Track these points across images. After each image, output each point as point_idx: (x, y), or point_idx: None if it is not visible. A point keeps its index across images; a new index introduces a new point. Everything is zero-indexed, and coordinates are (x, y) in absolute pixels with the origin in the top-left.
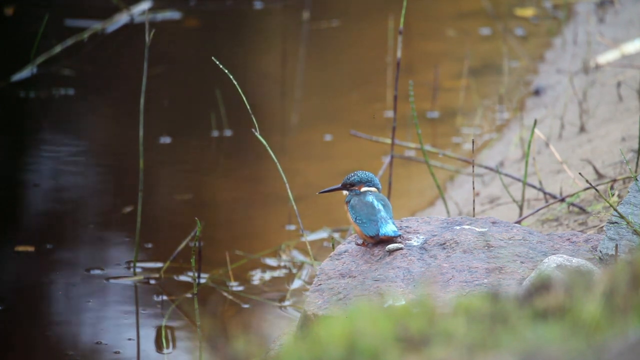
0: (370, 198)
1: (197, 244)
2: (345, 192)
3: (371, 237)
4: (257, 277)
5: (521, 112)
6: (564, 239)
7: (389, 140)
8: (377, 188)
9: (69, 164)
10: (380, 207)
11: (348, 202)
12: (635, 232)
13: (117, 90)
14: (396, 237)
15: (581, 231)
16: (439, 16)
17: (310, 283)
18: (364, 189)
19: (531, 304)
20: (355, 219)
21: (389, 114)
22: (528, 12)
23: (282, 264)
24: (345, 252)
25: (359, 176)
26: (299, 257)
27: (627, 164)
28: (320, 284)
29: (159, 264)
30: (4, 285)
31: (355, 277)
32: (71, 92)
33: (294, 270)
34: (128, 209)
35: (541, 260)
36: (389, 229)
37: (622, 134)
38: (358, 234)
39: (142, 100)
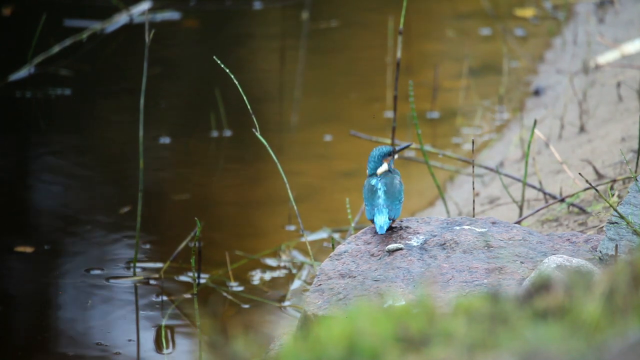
0: (374, 181)
1: (197, 244)
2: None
3: (370, 221)
4: (257, 277)
5: (521, 112)
6: (563, 239)
7: (389, 141)
8: (369, 168)
9: (67, 164)
10: (382, 193)
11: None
12: (635, 232)
13: (116, 90)
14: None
15: (581, 231)
16: (439, 16)
17: (310, 283)
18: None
19: (531, 304)
20: (363, 199)
21: (389, 114)
22: (528, 12)
23: (282, 264)
24: (345, 252)
25: (374, 152)
26: (299, 257)
27: (627, 164)
28: (320, 284)
29: (159, 264)
30: (4, 285)
31: (355, 277)
32: (68, 92)
33: (294, 271)
34: (126, 209)
35: (541, 260)
36: (379, 221)
37: (622, 134)
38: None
39: (141, 100)
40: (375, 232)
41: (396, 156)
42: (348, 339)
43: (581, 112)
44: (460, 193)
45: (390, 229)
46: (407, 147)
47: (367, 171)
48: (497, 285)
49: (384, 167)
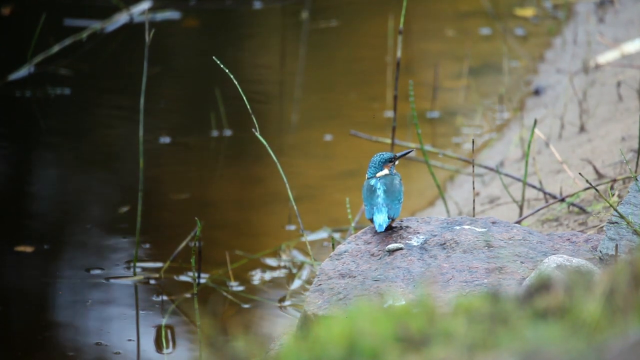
0: (373, 182)
1: (197, 244)
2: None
3: (369, 220)
4: (257, 277)
5: (521, 112)
6: (564, 239)
7: (389, 140)
8: (369, 172)
9: (67, 164)
10: (381, 192)
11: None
12: (635, 232)
13: (115, 90)
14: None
15: (581, 231)
16: (439, 16)
17: (310, 283)
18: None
19: (531, 304)
20: (363, 199)
21: (389, 114)
22: (528, 12)
23: (282, 264)
24: (345, 252)
25: (375, 158)
26: (299, 257)
27: (627, 164)
28: (320, 284)
29: (159, 264)
30: (4, 285)
31: (355, 277)
32: (67, 91)
33: (294, 270)
34: (125, 209)
35: (541, 260)
36: (378, 219)
37: (622, 134)
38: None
39: (142, 100)
40: (375, 232)
41: (397, 162)
42: (348, 339)
43: (581, 112)
44: (460, 193)
45: (390, 228)
46: (408, 153)
47: (367, 175)
48: (497, 285)
49: (384, 172)
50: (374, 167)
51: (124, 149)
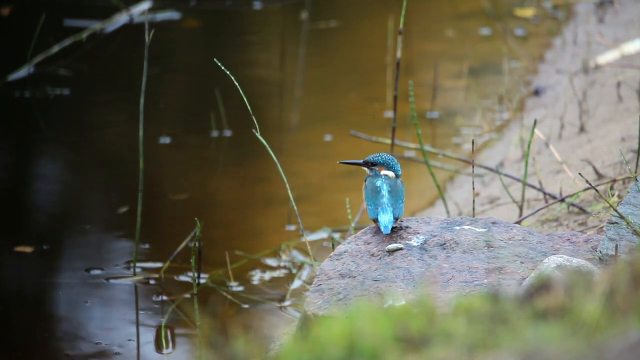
0: (379, 182)
1: (196, 244)
2: (365, 169)
3: (373, 220)
4: (257, 277)
5: (521, 112)
6: (563, 239)
7: (389, 141)
8: (396, 173)
9: (66, 164)
10: (385, 192)
11: (365, 181)
12: (635, 232)
13: (115, 90)
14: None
15: (581, 231)
16: (439, 16)
17: (310, 283)
18: (384, 171)
19: (531, 304)
20: (365, 199)
21: (389, 114)
22: (528, 12)
23: (282, 264)
24: (345, 252)
25: (382, 158)
26: (299, 257)
27: (627, 164)
28: (320, 284)
29: (159, 264)
30: (4, 285)
31: (355, 277)
32: (67, 92)
33: (294, 271)
34: (124, 209)
35: (541, 260)
36: (384, 220)
37: (622, 134)
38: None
39: (142, 100)
40: (376, 232)
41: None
42: (348, 339)
43: (581, 112)
44: (460, 193)
45: (392, 228)
46: (354, 163)
47: (400, 172)
48: (497, 285)
49: (391, 173)
50: (397, 163)
51: (123, 149)
